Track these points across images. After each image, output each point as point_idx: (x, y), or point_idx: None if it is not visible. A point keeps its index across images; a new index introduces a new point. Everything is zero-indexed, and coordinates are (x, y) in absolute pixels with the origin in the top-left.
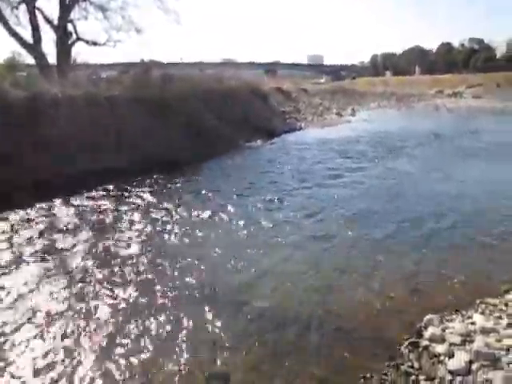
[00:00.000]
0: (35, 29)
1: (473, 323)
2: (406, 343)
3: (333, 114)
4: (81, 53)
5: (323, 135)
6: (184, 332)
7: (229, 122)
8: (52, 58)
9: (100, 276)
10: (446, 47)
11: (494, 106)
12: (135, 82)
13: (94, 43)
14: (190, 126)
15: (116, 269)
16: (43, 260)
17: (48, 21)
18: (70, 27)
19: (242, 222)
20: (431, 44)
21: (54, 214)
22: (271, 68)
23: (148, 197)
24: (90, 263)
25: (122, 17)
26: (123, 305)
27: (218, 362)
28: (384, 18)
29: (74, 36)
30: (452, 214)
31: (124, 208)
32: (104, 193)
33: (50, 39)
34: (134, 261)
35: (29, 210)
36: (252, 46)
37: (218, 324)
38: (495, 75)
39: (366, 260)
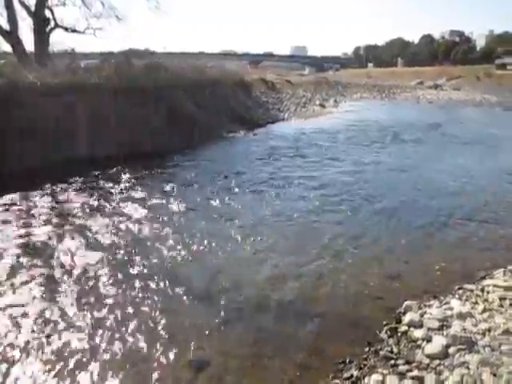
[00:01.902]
0: (12, 15)
1: (450, 309)
2: (386, 329)
3: (316, 105)
4: (65, 42)
5: (306, 126)
6: (162, 321)
7: (212, 113)
8: (30, 45)
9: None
10: (428, 39)
11: (473, 98)
12: (116, 71)
13: (74, 30)
14: (172, 115)
15: (82, 259)
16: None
17: (25, 7)
18: (47, 14)
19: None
20: (413, 36)
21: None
22: (255, 59)
23: (118, 187)
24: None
25: (101, 3)
26: (94, 296)
27: (197, 350)
28: (367, 10)
29: (52, 23)
30: (429, 201)
31: (87, 200)
32: (70, 184)
33: (27, 26)
34: (100, 254)
35: None
36: (236, 38)
37: (197, 312)
38: (475, 68)
39: (346, 248)
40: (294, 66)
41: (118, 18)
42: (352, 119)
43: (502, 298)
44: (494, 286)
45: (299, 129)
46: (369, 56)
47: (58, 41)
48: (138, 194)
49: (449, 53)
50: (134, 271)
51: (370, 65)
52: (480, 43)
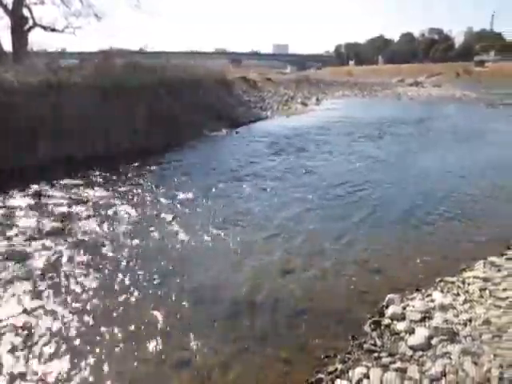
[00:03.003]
0: None
1: (432, 301)
2: (369, 322)
3: (298, 103)
4: (48, 41)
5: (288, 124)
6: (145, 320)
7: (193, 112)
8: (8, 45)
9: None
10: (408, 37)
11: (452, 94)
12: (96, 70)
13: (53, 29)
14: (153, 114)
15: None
16: None
17: (2, 5)
18: (26, 12)
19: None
20: (393, 34)
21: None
22: (236, 58)
23: (90, 189)
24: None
25: (80, 1)
26: (81, 296)
27: (180, 348)
28: (348, 8)
29: (31, 21)
30: (412, 194)
31: (59, 201)
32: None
33: (4, 25)
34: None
35: None
36: (218, 36)
37: (180, 309)
38: (454, 65)
39: (328, 243)
40: (276, 64)
41: (96, 16)
42: (335, 116)
43: (481, 289)
44: (474, 277)
45: (282, 126)
46: (350, 54)
47: (45, 39)
48: (111, 195)
49: (428, 50)
50: (118, 269)
51: (351, 63)
52: (459, 41)
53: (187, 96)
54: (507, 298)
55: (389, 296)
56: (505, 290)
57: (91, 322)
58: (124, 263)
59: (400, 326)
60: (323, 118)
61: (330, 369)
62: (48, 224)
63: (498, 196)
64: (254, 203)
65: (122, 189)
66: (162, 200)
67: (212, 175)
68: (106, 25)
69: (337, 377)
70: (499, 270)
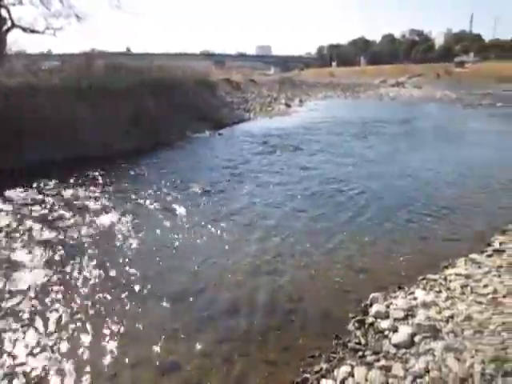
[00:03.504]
0: None
1: (415, 298)
2: (353, 321)
3: (281, 104)
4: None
5: (272, 125)
6: (128, 323)
7: (176, 113)
8: None
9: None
10: (389, 38)
11: (433, 95)
12: (77, 72)
13: (32, 31)
14: (135, 116)
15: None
16: None
17: None
18: (4, 13)
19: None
20: (375, 35)
21: None
22: (220, 59)
23: (67, 190)
24: None
25: (60, 1)
26: (60, 299)
27: (166, 351)
28: (331, 10)
29: (9, 22)
30: (394, 193)
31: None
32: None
33: None
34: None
35: None
36: (202, 38)
37: (165, 312)
38: (435, 66)
39: (312, 243)
40: (259, 65)
41: (77, 17)
42: (318, 117)
43: (463, 286)
44: (456, 274)
45: (265, 128)
46: (332, 55)
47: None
48: (88, 197)
49: (409, 51)
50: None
51: (334, 64)
52: (439, 42)
53: (170, 98)
54: (488, 294)
55: (372, 295)
56: (485, 286)
57: (65, 323)
58: (97, 264)
59: (384, 324)
60: (306, 119)
61: (316, 368)
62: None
63: (480, 194)
64: (233, 205)
65: (94, 191)
66: (129, 205)
67: (191, 177)
68: (89, 26)
69: (322, 376)
70: (480, 267)
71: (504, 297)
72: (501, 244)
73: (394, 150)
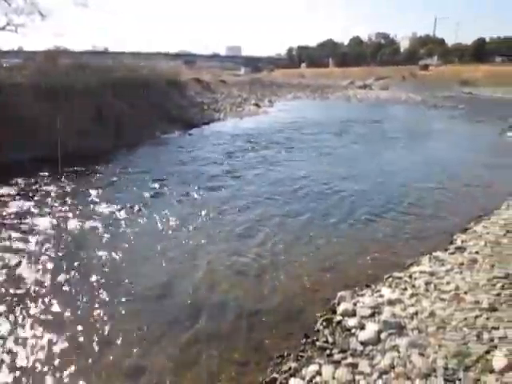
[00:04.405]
0: None
1: (381, 296)
2: (321, 320)
3: (251, 104)
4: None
5: (241, 125)
6: (94, 326)
7: (144, 113)
8: None
9: None
10: (356, 41)
11: (399, 96)
12: (40, 70)
13: None
14: (99, 116)
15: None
16: None
17: None
18: None
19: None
20: (343, 37)
21: None
22: (191, 59)
23: (23, 192)
24: None
25: None
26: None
27: (135, 355)
28: (301, 11)
29: None
30: (361, 192)
31: None
32: None
33: None
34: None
35: None
36: (171, 37)
37: (131, 316)
38: (400, 68)
39: (280, 242)
40: (230, 66)
41: (41, 14)
42: (287, 117)
43: (427, 283)
44: (421, 272)
45: (235, 128)
46: (301, 56)
47: None
48: (46, 199)
49: (376, 54)
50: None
51: (303, 65)
52: (404, 45)
53: (137, 97)
54: (450, 290)
55: (340, 293)
56: (448, 283)
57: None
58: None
59: (351, 322)
60: (276, 119)
61: (284, 368)
62: None
63: (445, 192)
64: (199, 207)
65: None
66: (93, 206)
67: (156, 179)
68: (56, 24)
69: (291, 375)
70: (443, 265)
71: (465, 293)
72: (462, 242)
73: (363, 149)
